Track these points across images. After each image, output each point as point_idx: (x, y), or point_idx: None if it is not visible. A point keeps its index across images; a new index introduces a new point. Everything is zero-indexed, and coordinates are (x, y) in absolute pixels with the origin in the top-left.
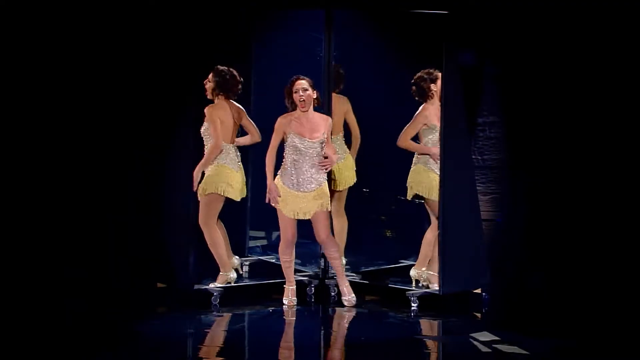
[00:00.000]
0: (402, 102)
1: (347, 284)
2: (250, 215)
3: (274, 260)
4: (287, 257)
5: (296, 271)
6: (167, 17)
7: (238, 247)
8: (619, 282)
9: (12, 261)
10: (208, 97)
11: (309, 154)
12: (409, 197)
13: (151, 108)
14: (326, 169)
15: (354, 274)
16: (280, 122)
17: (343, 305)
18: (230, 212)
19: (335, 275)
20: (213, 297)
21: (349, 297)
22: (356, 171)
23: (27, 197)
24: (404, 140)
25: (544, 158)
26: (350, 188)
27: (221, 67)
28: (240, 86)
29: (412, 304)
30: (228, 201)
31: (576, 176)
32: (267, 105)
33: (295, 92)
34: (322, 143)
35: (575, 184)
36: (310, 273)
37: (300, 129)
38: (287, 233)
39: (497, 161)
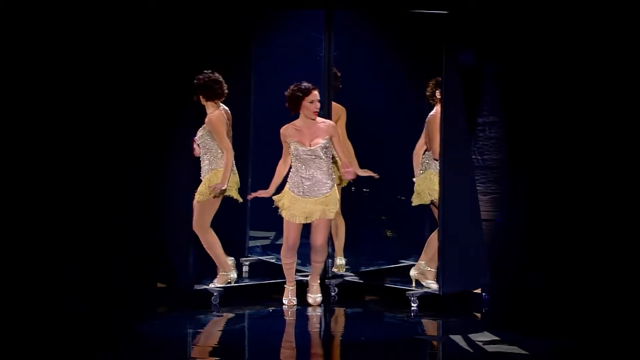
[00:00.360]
0: (402, 102)
1: (317, 285)
2: (251, 216)
3: (274, 260)
4: (288, 260)
5: (296, 271)
6: (167, 17)
7: (238, 247)
8: (619, 282)
9: (12, 261)
10: (202, 103)
11: (311, 160)
12: (425, 202)
13: (151, 108)
14: (347, 179)
15: (354, 274)
16: (282, 133)
17: (342, 305)
18: (230, 213)
19: (310, 274)
20: (213, 297)
21: (314, 296)
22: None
23: (27, 197)
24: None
25: (544, 158)
26: (349, 188)
27: (202, 73)
28: (224, 87)
29: (412, 304)
30: (227, 202)
31: (576, 176)
32: (267, 105)
33: (312, 102)
34: (324, 148)
35: (575, 184)
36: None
37: (300, 137)
38: (289, 238)
39: (497, 161)
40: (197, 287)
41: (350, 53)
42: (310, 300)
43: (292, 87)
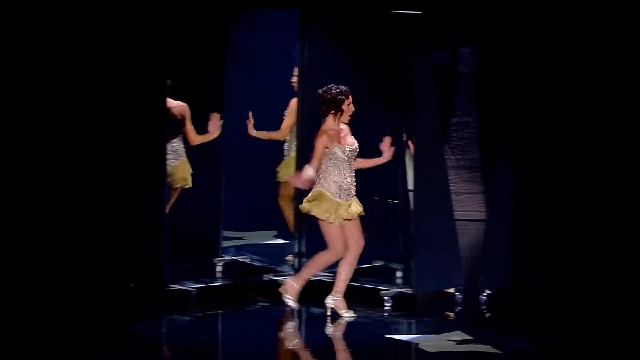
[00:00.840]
0: (374, 102)
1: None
2: (224, 216)
3: (247, 260)
4: (324, 265)
5: (269, 271)
6: (154, 18)
7: (211, 247)
8: (606, 279)
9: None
10: None
11: (349, 161)
12: None
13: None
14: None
15: (328, 273)
16: (326, 138)
17: (316, 305)
18: (204, 212)
19: (336, 289)
20: (188, 297)
21: (348, 314)
22: None
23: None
24: None
25: (517, 158)
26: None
27: None
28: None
29: (386, 304)
30: (200, 202)
31: (550, 175)
32: (241, 108)
33: (349, 105)
34: (356, 149)
35: (550, 182)
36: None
37: (339, 138)
38: (338, 244)
39: (471, 161)
40: (173, 286)
41: (323, 54)
42: (346, 315)
43: (328, 90)
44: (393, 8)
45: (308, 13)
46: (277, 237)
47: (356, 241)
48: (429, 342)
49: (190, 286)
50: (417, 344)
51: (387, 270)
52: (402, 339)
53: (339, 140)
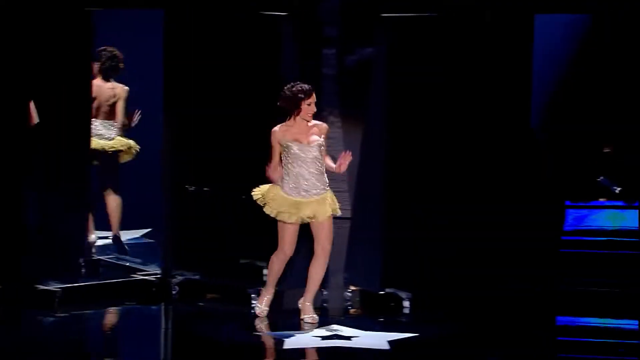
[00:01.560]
0: (246, 102)
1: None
2: (94, 215)
3: (114, 260)
4: (277, 267)
5: (136, 270)
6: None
7: (77, 246)
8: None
9: None
10: None
11: (307, 158)
12: None
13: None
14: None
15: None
16: (275, 133)
17: (183, 303)
18: (70, 210)
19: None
20: (54, 297)
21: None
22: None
23: None
24: None
25: (381, 157)
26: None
27: None
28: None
29: (253, 301)
30: (69, 202)
31: (412, 172)
32: None
33: (309, 105)
34: (320, 147)
35: (414, 179)
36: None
37: (293, 135)
38: (282, 243)
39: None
40: (37, 286)
41: (189, 52)
42: (308, 320)
43: (290, 87)
44: (260, 9)
45: (173, 14)
46: (145, 236)
47: (321, 244)
48: (294, 338)
49: (54, 286)
50: (282, 341)
51: (254, 267)
52: (269, 335)
53: (294, 137)
